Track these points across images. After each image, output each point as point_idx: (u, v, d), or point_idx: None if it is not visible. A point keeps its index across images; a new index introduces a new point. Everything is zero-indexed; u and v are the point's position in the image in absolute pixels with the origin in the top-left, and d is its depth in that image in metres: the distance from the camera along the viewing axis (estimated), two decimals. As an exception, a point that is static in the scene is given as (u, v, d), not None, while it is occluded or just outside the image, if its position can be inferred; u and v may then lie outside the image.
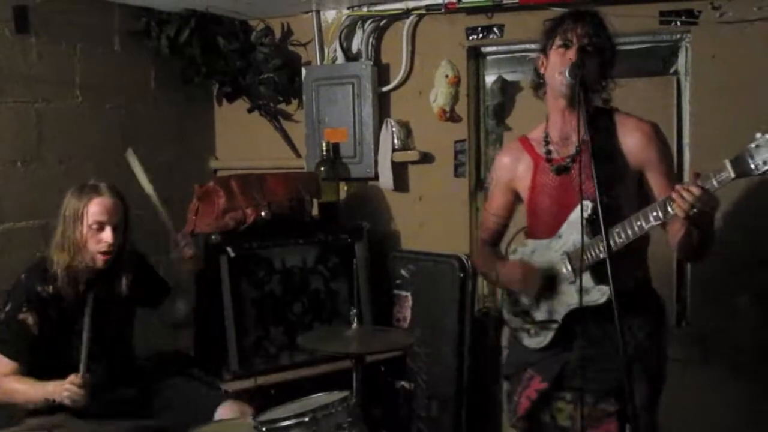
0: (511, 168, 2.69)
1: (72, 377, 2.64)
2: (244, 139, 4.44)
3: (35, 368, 2.72)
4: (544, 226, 2.58)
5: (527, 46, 3.56)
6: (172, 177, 4.04)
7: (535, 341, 2.60)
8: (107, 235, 2.77)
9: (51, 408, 2.69)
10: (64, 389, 2.62)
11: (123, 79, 4.01)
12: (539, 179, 2.59)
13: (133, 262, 2.96)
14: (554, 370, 2.55)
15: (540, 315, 2.57)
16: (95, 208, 2.78)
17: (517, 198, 2.73)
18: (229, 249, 3.35)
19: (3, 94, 3.49)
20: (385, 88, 3.95)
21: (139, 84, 4.12)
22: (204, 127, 4.52)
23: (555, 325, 2.53)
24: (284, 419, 2.34)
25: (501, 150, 3.07)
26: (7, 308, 2.75)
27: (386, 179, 3.91)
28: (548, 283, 2.53)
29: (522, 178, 2.65)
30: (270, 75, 4.18)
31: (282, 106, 4.33)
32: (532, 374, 2.62)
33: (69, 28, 3.73)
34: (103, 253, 2.78)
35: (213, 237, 3.34)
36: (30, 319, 2.72)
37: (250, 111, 4.33)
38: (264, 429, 2.34)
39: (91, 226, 2.77)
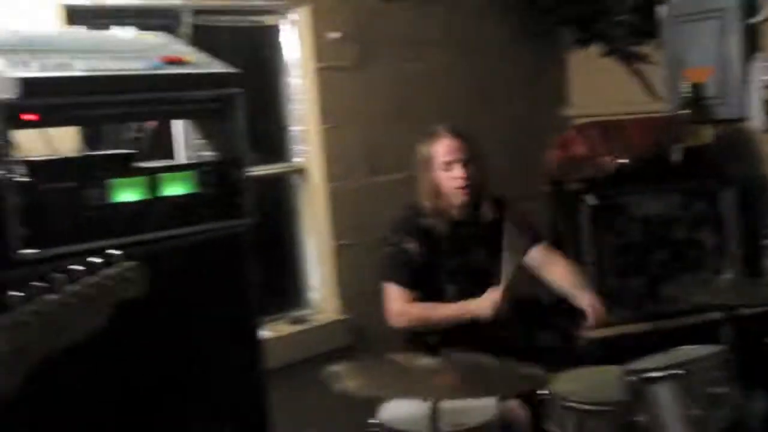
0: None
1: (492, 292, 2.81)
2: (599, 85, 4.34)
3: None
4: None
5: None
6: (524, 128, 4.11)
7: None
8: (457, 171, 2.95)
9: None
10: (488, 302, 2.80)
11: (477, 34, 4.15)
12: None
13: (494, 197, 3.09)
14: None
15: None
16: (440, 149, 2.97)
17: None
18: (589, 197, 3.34)
19: (377, 56, 3.79)
20: (753, 20, 3.63)
21: (491, 38, 4.23)
22: (556, 76, 4.52)
23: None
24: (656, 369, 2.30)
25: None
26: (391, 242, 3.01)
27: (757, 119, 3.61)
28: None
29: None
30: (625, 16, 4.04)
31: (637, 48, 4.17)
32: None
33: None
34: (459, 188, 2.96)
35: (573, 185, 3.36)
36: (413, 248, 2.97)
37: (604, 56, 4.23)
38: (634, 378, 2.32)
39: (441, 166, 2.96)
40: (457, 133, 3.01)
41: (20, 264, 1.86)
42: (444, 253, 2.98)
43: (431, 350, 2.20)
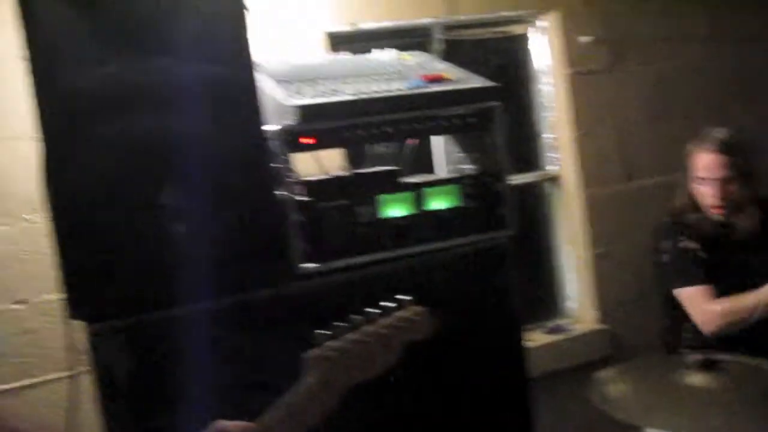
0: None
1: None
2: None
3: None
4: None
5: None
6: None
7: None
8: (714, 189, 2.75)
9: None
10: None
11: (742, 28, 3.87)
12: None
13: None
14: None
15: None
16: (698, 163, 2.79)
17: None
18: None
19: (631, 57, 3.66)
20: None
21: (757, 31, 3.93)
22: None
23: None
24: None
25: None
26: (666, 246, 2.87)
27: None
28: None
29: None
30: None
31: None
32: None
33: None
34: (714, 207, 2.77)
35: None
36: (692, 245, 2.82)
37: None
38: None
39: (696, 179, 2.78)
40: (719, 148, 2.80)
41: (302, 277, 2.00)
42: (722, 251, 2.81)
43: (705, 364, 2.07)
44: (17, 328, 2.63)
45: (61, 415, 2.24)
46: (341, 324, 1.42)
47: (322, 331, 1.41)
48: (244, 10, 1.88)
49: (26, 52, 1.77)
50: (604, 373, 2.19)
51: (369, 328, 1.42)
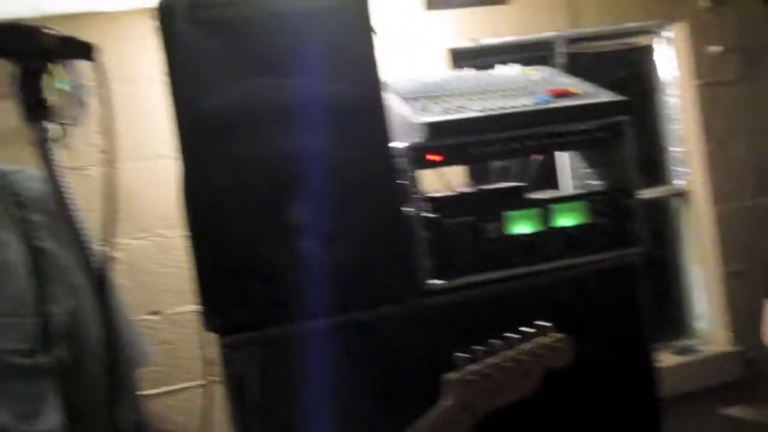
0: None
1: None
2: None
3: None
4: None
5: None
6: None
7: None
8: None
9: None
10: None
11: None
12: None
13: None
14: None
15: None
16: None
17: None
18: None
19: (764, 66, 3.51)
20: None
21: None
22: None
23: None
24: None
25: None
26: None
27: None
28: None
29: None
30: None
31: None
32: None
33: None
34: None
35: None
36: None
37: None
38: None
39: None
40: None
41: (429, 294, 2.00)
42: None
43: None
44: (152, 338, 2.75)
45: (194, 423, 2.32)
46: (480, 348, 1.41)
47: (462, 354, 1.41)
48: (372, 33, 1.91)
49: (166, 75, 1.85)
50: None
51: (509, 353, 1.42)
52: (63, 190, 0.99)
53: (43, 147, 1.01)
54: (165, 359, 2.74)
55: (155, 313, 2.76)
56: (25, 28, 1.06)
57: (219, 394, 2.02)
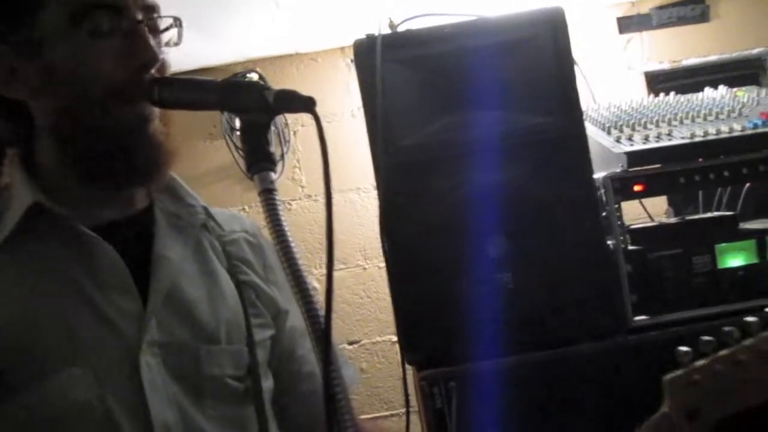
0: None
1: None
2: None
3: None
4: None
5: None
6: None
7: None
8: None
9: None
10: None
11: None
12: None
13: None
14: None
15: None
16: None
17: None
18: None
19: None
20: None
21: None
22: None
23: None
24: None
25: None
26: None
27: None
28: None
29: None
30: None
31: None
32: None
33: None
34: None
35: None
36: None
37: None
38: None
39: None
40: None
41: (634, 331, 1.92)
42: None
43: None
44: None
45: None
46: (708, 338, 1.15)
47: (684, 348, 1.17)
48: (572, 62, 1.87)
49: (366, 111, 1.90)
50: None
51: (746, 342, 1.13)
52: (285, 238, 1.03)
53: (267, 196, 1.06)
54: (361, 388, 2.80)
55: (354, 342, 2.82)
56: (247, 85, 1.13)
57: (416, 424, 2.03)
